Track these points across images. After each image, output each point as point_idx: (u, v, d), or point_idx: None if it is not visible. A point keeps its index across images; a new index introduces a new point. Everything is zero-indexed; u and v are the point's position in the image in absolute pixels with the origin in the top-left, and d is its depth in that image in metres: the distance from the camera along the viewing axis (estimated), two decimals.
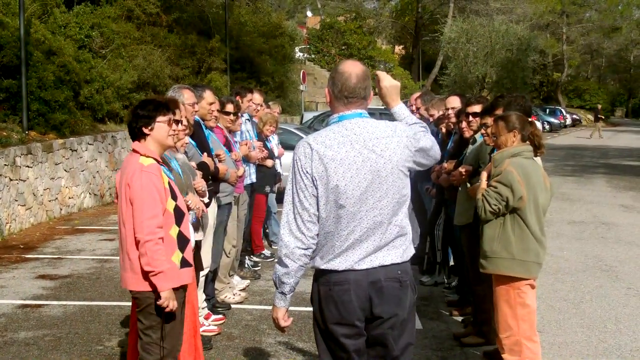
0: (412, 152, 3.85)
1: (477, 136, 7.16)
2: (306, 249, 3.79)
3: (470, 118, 7.29)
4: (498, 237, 5.65)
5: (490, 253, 5.69)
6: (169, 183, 4.88)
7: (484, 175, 5.90)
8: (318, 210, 3.76)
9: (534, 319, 5.76)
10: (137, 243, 4.71)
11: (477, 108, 7.23)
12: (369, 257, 3.77)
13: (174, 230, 4.83)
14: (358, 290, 3.76)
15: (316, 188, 3.74)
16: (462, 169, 7.05)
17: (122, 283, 4.93)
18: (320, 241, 3.81)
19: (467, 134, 7.38)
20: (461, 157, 7.43)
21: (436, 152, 3.99)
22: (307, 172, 3.75)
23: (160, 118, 4.93)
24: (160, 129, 4.94)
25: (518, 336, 5.63)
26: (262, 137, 9.98)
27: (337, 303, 3.78)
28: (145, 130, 4.90)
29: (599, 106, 52.17)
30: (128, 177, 4.79)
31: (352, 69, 3.87)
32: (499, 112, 6.32)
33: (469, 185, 6.87)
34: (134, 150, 4.94)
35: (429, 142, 3.94)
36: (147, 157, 4.85)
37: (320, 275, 3.86)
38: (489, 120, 6.40)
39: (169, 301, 4.72)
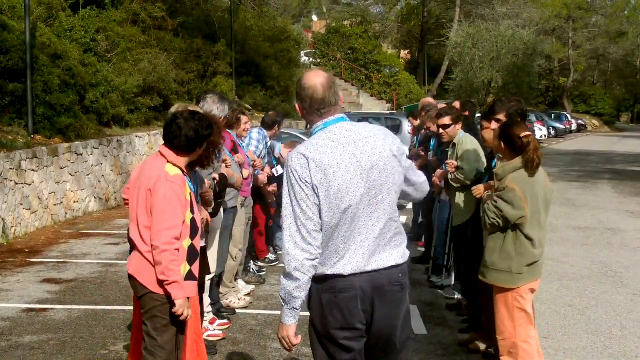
0: (402, 171, 3.95)
1: (456, 140, 7.92)
2: (314, 259, 3.75)
3: (441, 130, 8.10)
4: (499, 249, 5.68)
5: (491, 264, 5.72)
6: (190, 195, 4.88)
7: (484, 186, 6.05)
8: (321, 217, 3.74)
9: (531, 322, 5.76)
10: (152, 249, 4.72)
11: (446, 120, 7.97)
12: (373, 258, 3.79)
13: (186, 242, 4.84)
14: (364, 296, 3.78)
15: (317, 196, 3.72)
16: (449, 162, 7.72)
17: (136, 275, 4.90)
18: (322, 248, 3.79)
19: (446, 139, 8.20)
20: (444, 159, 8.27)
21: (424, 187, 4.15)
22: (306, 182, 3.72)
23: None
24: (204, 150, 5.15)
25: (514, 339, 5.66)
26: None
27: (342, 310, 3.78)
28: (198, 147, 5.01)
29: None
30: (150, 182, 4.79)
31: (316, 80, 3.86)
32: (500, 116, 6.42)
33: (450, 179, 7.62)
34: (160, 154, 4.94)
35: (419, 177, 4.11)
36: (174, 165, 4.86)
37: (322, 281, 3.82)
38: (489, 125, 6.62)
39: (183, 309, 4.75)
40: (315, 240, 3.74)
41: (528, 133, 5.67)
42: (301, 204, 3.72)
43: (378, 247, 3.81)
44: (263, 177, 9.41)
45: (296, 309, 3.81)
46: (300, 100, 3.90)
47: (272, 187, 10.00)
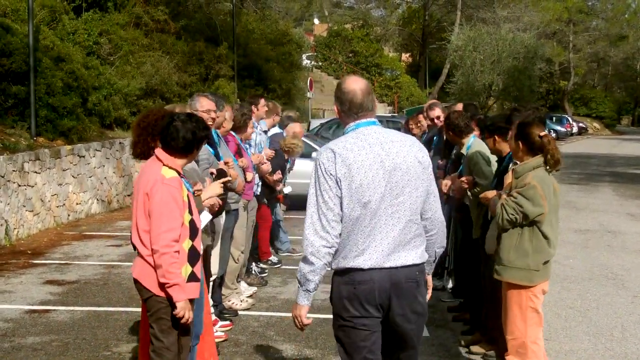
0: (426, 179, 4.17)
1: (464, 148, 7.61)
2: (330, 247, 4.01)
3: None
4: (515, 246, 5.68)
5: (507, 262, 5.71)
6: (187, 196, 4.91)
7: (506, 185, 5.94)
8: (342, 209, 3.98)
9: (541, 323, 5.80)
10: (153, 253, 4.75)
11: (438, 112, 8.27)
12: (392, 256, 4.03)
13: (186, 244, 4.86)
14: (381, 289, 4.02)
15: (340, 189, 3.98)
16: (464, 179, 7.37)
17: (141, 280, 4.92)
18: (342, 240, 4.02)
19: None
20: (460, 170, 7.78)
21: (438, 218, 4.28)
22: (331, 175, 3.99)
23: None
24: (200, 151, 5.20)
25: (524, 339, 5.68)
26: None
27: (361, 301, 4.03)
28: (195, 149, 5.04)
29: None
30: (147, 186, 4.81)
31: (356, 85, 4.15)
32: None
33: (468, 194, 7.26)
34: (156, 157, 4.96)
35: (437, 209, 4.28)
36: (170, 168, 4.89)
37: (343, 274, 4.07)
38: (490, 136, 6.67)
39: (184, 311, 4.77)
40: (333, 230, 3.99)
41: (546, 132, 5.75)
42: (324, 195, 3.99)
43: (398, 246, 4.04)
44: (267, 167, 9.38)
45: (309, 291, 4.09)
46: (339, 103, 4.17)
47: (277, 175, 9.96)
